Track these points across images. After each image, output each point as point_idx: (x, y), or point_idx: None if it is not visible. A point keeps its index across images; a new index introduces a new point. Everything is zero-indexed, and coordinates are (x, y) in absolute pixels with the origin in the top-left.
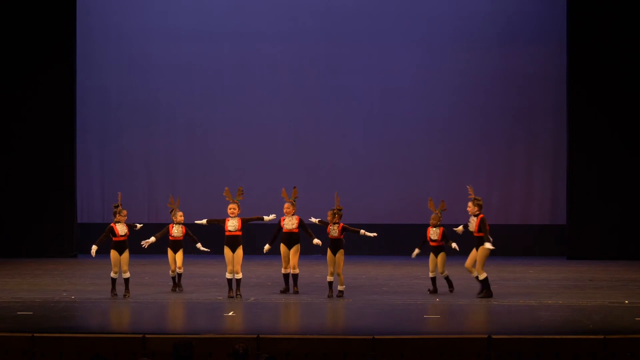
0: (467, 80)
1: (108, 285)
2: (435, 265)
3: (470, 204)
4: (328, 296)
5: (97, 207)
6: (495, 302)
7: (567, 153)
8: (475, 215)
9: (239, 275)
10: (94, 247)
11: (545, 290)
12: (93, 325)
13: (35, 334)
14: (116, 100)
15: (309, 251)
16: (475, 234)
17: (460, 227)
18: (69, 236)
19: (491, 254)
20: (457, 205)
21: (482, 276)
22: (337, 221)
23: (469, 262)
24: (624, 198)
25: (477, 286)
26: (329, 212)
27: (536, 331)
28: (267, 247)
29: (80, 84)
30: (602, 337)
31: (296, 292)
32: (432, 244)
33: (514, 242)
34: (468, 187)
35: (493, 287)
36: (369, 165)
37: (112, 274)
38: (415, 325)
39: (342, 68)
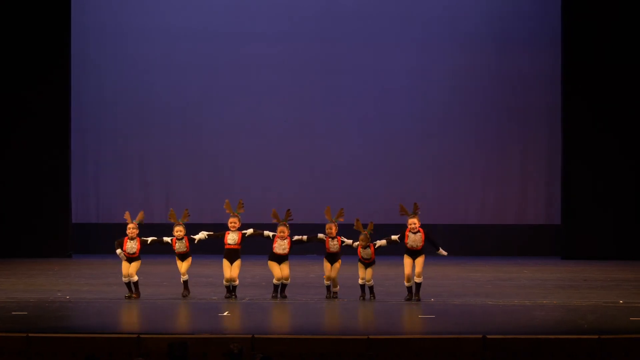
0: (462, 81)
1: (103, 285)
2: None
3: (416, 219)
4: (327, 297)
5: (92, 207)
6: (490, 302)
7: (561, 153)
8: (415, 233)
9: (236, 282)
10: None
11: (540, 290)
12: (88, 325)
13: (30, 334)
14: (111, 99)
15: (304, 251)
16: (411, 248)
17: (383, 242)
18: (64, 236)
19: (486, 253)
20: (454, 206)
21: (421, 279)
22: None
23: (410, 271)
24: (618, 198)
25: (473, 286)
26: (361, 237)
27: (531, 331)
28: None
29: (75, 84)
30: (596, 337)
31: (284, 297)
32: (364, 261)
33: (509, 242)
34: (400, 205)
35: (488, 287)
36: (365, 166)
37: (123, 278)
38: (410, 325)
39: (338, 69)
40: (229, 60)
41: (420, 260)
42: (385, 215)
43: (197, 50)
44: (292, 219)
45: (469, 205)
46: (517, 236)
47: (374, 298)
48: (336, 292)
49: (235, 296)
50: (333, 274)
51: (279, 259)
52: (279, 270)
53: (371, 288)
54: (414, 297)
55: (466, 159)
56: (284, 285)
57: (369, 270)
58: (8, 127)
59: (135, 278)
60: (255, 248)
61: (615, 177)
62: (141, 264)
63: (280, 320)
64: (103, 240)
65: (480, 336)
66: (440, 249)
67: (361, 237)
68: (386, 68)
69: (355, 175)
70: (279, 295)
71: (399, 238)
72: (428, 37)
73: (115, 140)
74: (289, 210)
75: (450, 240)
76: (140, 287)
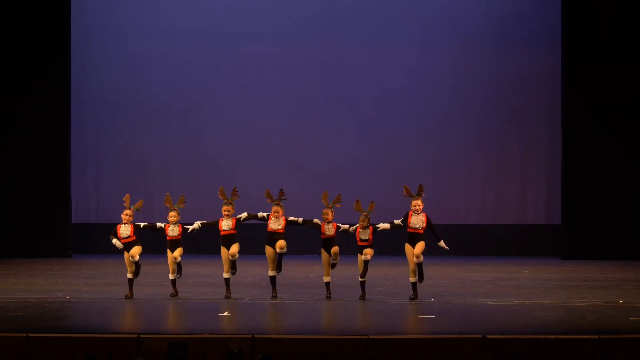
0: (462, 81)
1: (102, 285)
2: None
3: (419, 201)
4: (327, 297)
5: (92, 207)
6: (490, 302)
7: (561, 153)
8: (418, 214)
9: (235, 257)
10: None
11: (540, 290)
12: (88, 325)
13: (30, 334)
14: (111, 99)
15: (303, 251)
16: (413, 231)
17: (386, 225)
18: (64, 236)
19: (486, 253)
20: (454, 206)
21: (421, 259)
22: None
23: (414, 265)
24: (618, 198)
25: (473, 286)
26: (361, 218)
27: (531, 331)
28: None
29: (75, 84)
30: (596, 337)
31: (279, 271)
32: (360, 243)
33: (509, 242)
34: (404, 186)
35: (488, 287)
36: (365, 166)
37: (128, 275)
38: (410, 325)
39: (338, 68)
40: (229, 60)
41: (420, 244)
42: (385, 215)
43: (197, 50)
44: (286, 199)
45: (469, 205)
46: (517, 236)
47: (366, 271)
48: (335, 264)
49: (235, 271)
50: (335, 259)
51: (275, 237)
52: (274, 264)
53: (366, 263)
54: (419, 279)
55: (466, 159)
56: (279, 257)
57: (369, 249)
58: (8, 127)
59: (137, 258)
60: (255, 248)
61: (615, 177)
62: (141, 265)
63: (280, 320)
64: (103, 240)
65: (480, 336)
66: (442, 242)
67: (361, 217)
68: (386, 68)
69: (355, 175)
70: (276, 269)
71: (402, 221)
72: (428, 37)
73: (115, 140)
74: (282, 189)
75: (450, 240)
76: (140, 287)
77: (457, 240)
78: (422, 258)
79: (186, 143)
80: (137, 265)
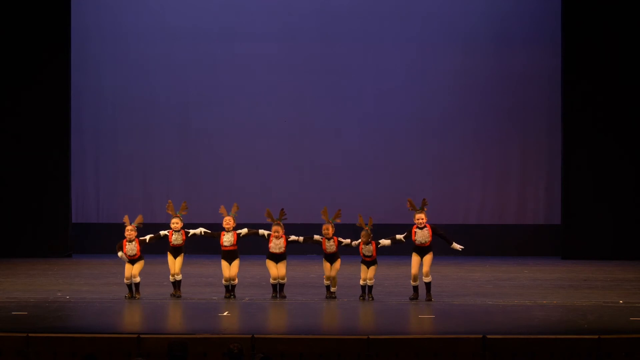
0: (461, 80)
1: (102, 285)
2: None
3: (423, 215)
4: (326, 297)
5: (92, 207)
6: (490, 302)
7: (561, 153)
8: (422, 228)
9: (235, 282)
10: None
11: (539, 290)
12: (88, 325)
13: (29, 334)
14: (111, 99)
15: (303, 251)
16: (420, 244)
17: (387, 241)
18: (64, 236)
19: (486, 253)
20: (454, 206)
21: (430, 279)
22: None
23: (416, 270)
24: (618, 198)
25: (473, 286)
26: (363, 233)
27: (531, 331)
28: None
29: (75, 83)
30: (596, 337)
31: (283, 297)
32: (365, 259)
33: (508, 242)
34: (409, 200)
35: (488, 287)
36: (363, 165)
37: (125, 280)
38: (409, 325)
39: (337, 68)
40: (229, 60)
41: (428, 259)
42: (385, 215)
43: (197, 50)
44: (286, 218)
45: (469, 205)
46: (517, 236)
47: (372, 299)
48: (334, 292)
49: (234, 296)
50: (332, 273)
51: (276, 258)
52: (275, 270)
53: (370, 288)
54: (425, 298)
55: (466, 159)
56: (281, 285)
57: (371, 269)
58: (8, 126)
59: (138, 279)
60: (254, 248)
61: (615, 177)
62: (144, 264)
63: (280, 320)
64: (103, 240)
65: (480, 336)
66: (454, 244)
67: (363, 233)
68: (386, 68)
69: (355, 175)
70: (278, 295)
71: (404, 237)
72: (428, 37)
73: (115, 140)
74: (282, 209)
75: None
76: (140, 287)
77: (457, 240)
78: (430, 277)
79: (186, 143)
80: (137, 285)
